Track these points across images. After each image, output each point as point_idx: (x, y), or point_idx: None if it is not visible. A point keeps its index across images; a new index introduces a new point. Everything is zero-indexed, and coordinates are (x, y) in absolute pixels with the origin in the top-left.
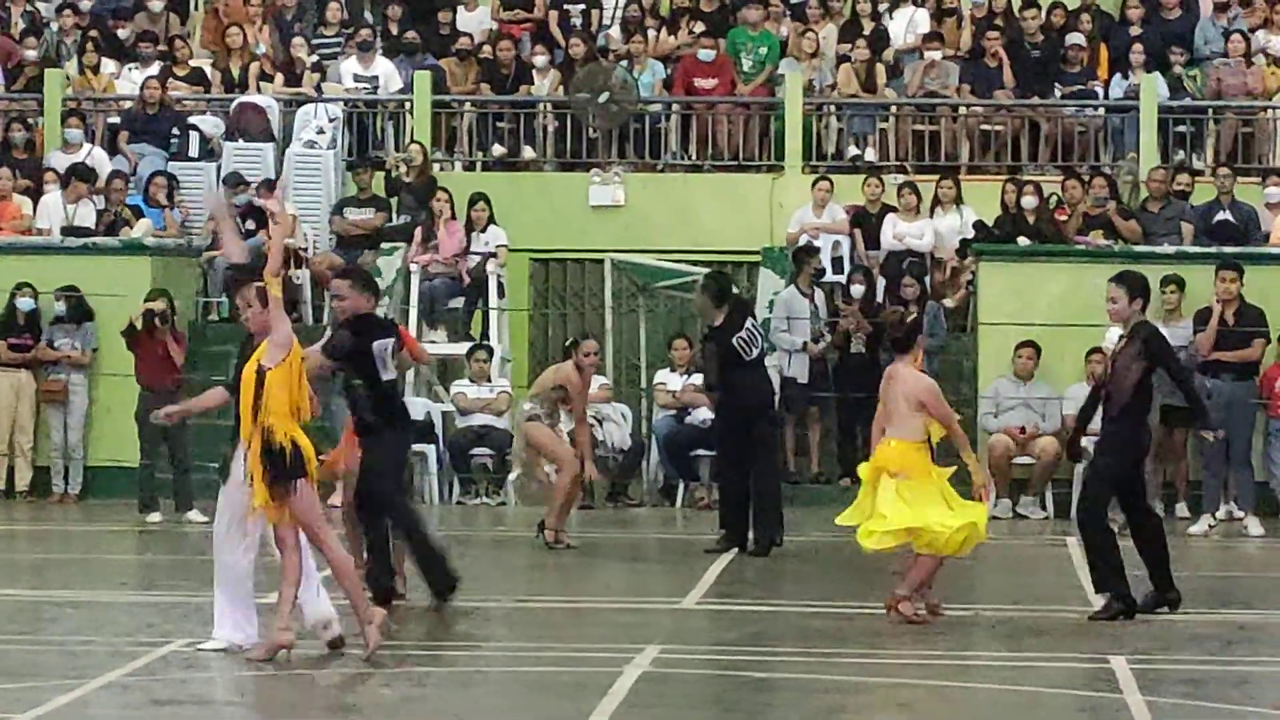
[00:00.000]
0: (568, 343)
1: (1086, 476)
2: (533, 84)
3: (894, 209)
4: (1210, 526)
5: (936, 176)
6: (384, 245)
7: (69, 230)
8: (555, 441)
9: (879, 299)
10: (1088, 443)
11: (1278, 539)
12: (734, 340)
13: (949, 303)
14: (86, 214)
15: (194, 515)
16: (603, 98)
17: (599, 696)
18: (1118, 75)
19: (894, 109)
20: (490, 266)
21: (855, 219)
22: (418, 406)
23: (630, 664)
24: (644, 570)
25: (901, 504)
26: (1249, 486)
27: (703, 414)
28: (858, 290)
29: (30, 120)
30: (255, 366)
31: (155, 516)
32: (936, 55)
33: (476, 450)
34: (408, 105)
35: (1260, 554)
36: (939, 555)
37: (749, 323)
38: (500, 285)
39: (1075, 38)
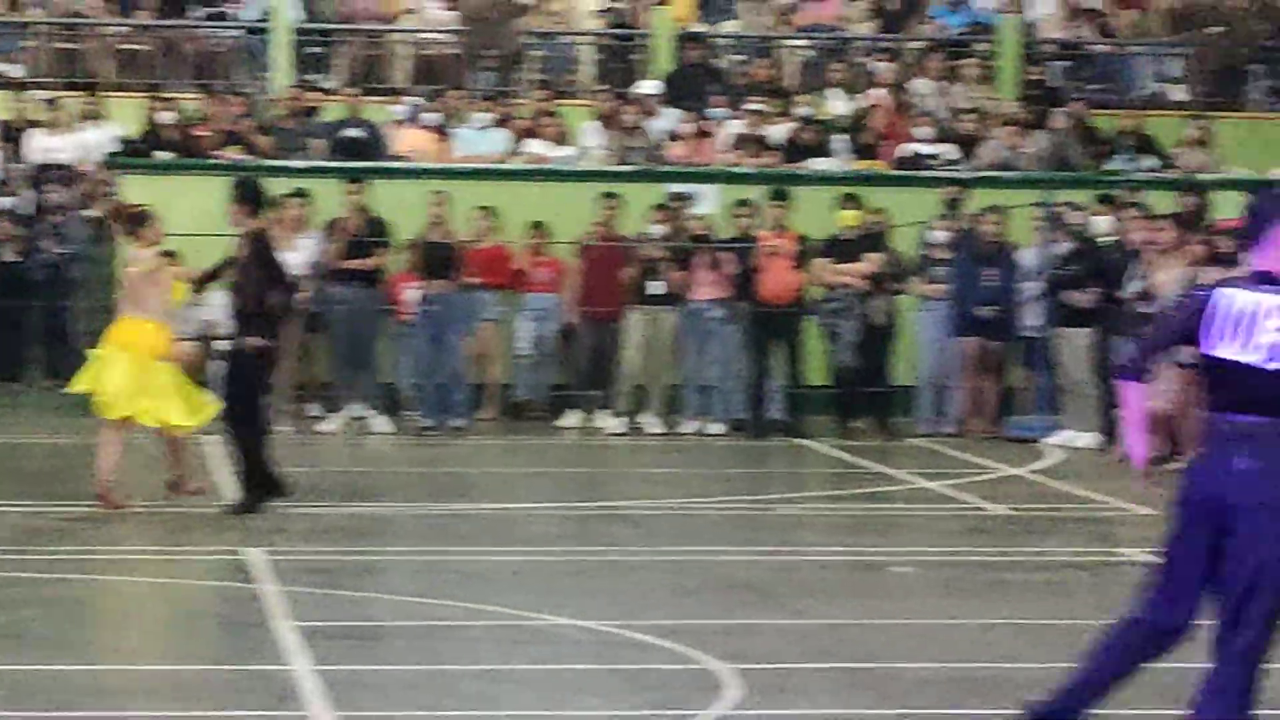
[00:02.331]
0: None
1: (227, 382)
2: None
3: (40, 123)
4: (341, 425)
5: (82, 93)
6: None
7: None
8: None
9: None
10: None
11: (403, 435)
12: None
13: (94, 212)
14: None
15: None
16: None
17: None
18: None
19: (39, 28)
20: None
21: (3, 134)
22: None
23: None
24: None
25: (138, 378)
26: (375, 387)
27: None
28: (6, 202)
29: None
30: None
31: None
32: None
33: None
34: None
35: (387, 450)
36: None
37: None
38: None
39: None
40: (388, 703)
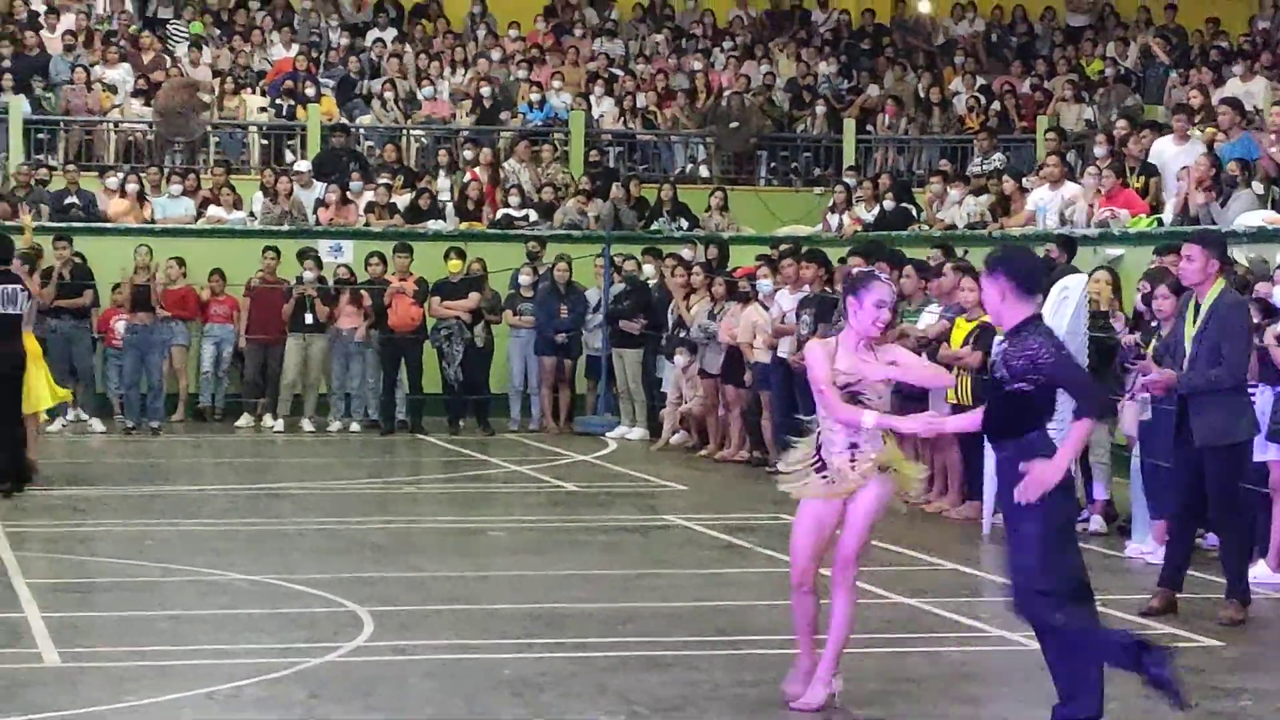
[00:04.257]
0: None
1: None
2: None
3: None
4: (64, 425)
5: None
6: None
7: None
8: None
9: None
10: None
11: (112, 434)
12: None
13: None
14: None
15: None
16: None
17: None
18: None
19: None
20: None
21: None
22: None
23: None
24: None
25: None
26: (91, 396)
27: None
28: None
29: None
30: None
31: None
32: None
33: None
34: None
35: (100, 445)
36: None
37: None
38: None
39: None
40: (100, 641)
